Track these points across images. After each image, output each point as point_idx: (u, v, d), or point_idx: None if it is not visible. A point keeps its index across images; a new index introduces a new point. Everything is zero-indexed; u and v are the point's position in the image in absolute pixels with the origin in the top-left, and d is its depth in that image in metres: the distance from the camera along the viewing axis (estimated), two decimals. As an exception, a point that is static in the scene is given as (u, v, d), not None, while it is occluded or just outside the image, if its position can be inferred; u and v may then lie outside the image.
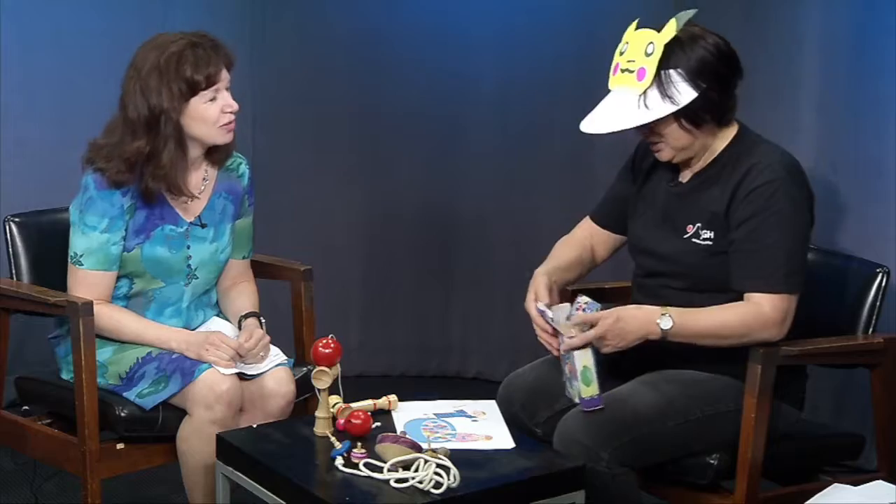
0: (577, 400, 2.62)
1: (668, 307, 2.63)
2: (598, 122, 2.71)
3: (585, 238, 3.00)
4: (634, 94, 2.65)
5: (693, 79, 2.62)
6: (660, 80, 2.63)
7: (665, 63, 2.62)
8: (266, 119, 4.40)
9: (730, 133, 2.75)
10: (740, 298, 2.66)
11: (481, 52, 4.43)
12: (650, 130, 2.69)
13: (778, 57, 3.67)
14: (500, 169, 4.49)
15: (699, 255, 2.72)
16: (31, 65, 3.95)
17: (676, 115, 2.65)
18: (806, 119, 3.61)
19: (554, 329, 2.67)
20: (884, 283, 2.87)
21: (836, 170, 3.47)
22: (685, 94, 2.62)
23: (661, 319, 2.60)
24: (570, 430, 2.61)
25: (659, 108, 2.63)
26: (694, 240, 2.73)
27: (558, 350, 2.66)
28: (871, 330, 2.86)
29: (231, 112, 2.89)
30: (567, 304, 2.67)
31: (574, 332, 2.61)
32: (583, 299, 2.66)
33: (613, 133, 2.69)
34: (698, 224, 2.73)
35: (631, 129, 2.68)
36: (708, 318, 2.64)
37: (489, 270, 4.58)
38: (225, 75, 2.90)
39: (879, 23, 3.33)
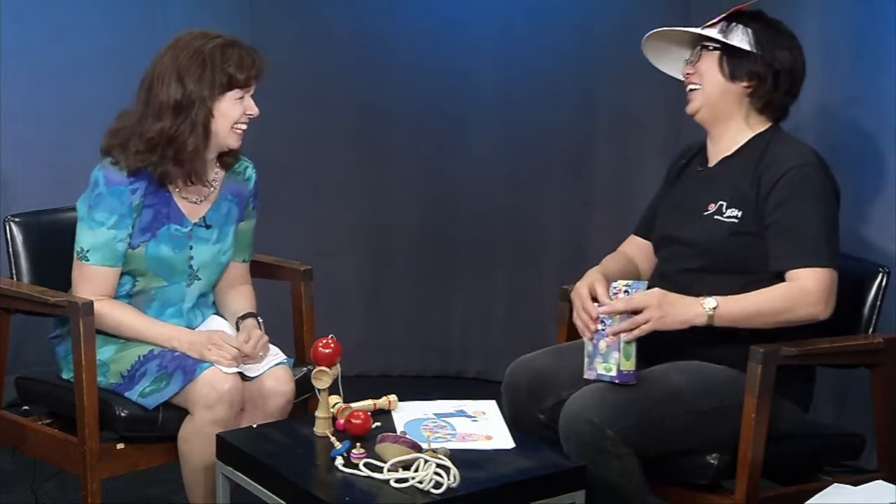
0: (610, 374, 2.63)
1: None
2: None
3: (629, 253, 3.04)
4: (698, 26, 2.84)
5: (755, 41, 2.77)
6: (726, 23, 2.80)
7: (742, 20, 2.79)
8: (266, 119, 4.37)
9: (763, 124, 2.83)
10: (766, 282, 2.68)
11: (481, 52, 4.43)
12: (693, 67, 2.83)
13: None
14: (501, 168, 4.49)
15: (720, 231, 2.76)
16: (31, 65, 3.95)
17: (721, 52, 2.78)
18: (806, 119, 3.60)
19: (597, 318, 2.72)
20: (884, 283, 2.87)
21: (835, 170, 3.46)
22: (739, 40, 2.77)
23: (705, 301, 2.64)
24: (579, 406, 2.62)
25: (709, 33, 2.79)
26: (716, 217, 2.77)
27: (593, 331, 2.70)
28: (871, 330, 2.87)
29: (250, 115, 2.94)
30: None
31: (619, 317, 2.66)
32: (621, 283, 2.71)
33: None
34: (721, 203, 2.78)
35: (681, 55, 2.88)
36: (751, 297, 2.66)
37: (489, 270, 4.59)
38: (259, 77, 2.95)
39: (878, 22, 3.33)
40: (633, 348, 2.63)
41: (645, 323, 2.63)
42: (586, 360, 2.72)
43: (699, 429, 2.68)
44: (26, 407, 3.16)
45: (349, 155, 4.52)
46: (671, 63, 2.98)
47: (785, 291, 2.66)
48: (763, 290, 2.67)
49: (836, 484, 2.43)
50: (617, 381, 2.64)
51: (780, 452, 2.72)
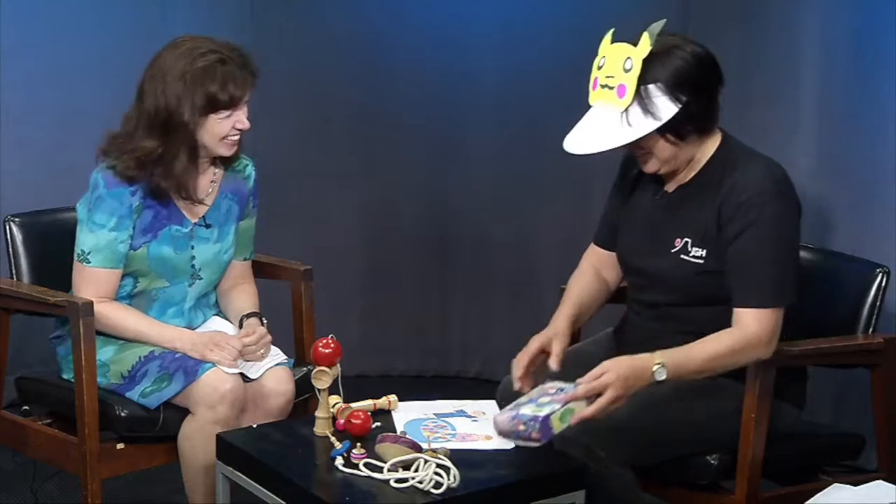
0: (535, 414, 2.45)
1: (660, 352, 2.55)
2: (582, 141, 2.69)
3: (593, 266, 2.97)
4: (616, 112, 2.61)
5: (672, 92, 2.59)
6: (640, 97, 2.59)
7: (643, 78, 2.58)
8: (266, 119, 4.39)
9: (714, 142, 2.71)
10: None
11: (481, 52, 4.43)
12: (637, 145, 2.66)
13: (778, 57, 3.68)
14: (500, 169, 4.49)
15: (688, 271, 2.70)
16: (31, 65, 3.95)
17: (661, 131, 2.61)
18: (806, 119, 3.60)
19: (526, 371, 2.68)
20: (884, 283, 2.87)
21: (835, 170, 3.47)
22: (666, 109, 2.59)
23: (656, 369, 2.53)
24: (570, 427, 2.61)
25: (641, 125, 2.59)
26: (682, 256, 2.70)
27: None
28: (871, 330, 2.87)
29: (240, 129, 2.91)
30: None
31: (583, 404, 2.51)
32: (549, 384, 2.58)
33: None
34: (686, 239, 2.71)
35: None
36: (698, 356, 2.58)
37: (489, 271, 4.59)
38: (248, 94, 2.90)
39: (879, 23, 3.33)
40: (571, 416, 2.47)
41: (609, 401, 2.50)
42: (512, 404, 2.55)
43: (693, 437, 2.68)
44: (26, 407, 3.15)
45: (349, 155, 4.52)
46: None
47: (730, 343, 2.58)
48: (710, 340, 2.59)
49: (836, 484, 2.43)
50: (533, 425, 2.42)
51: (779, 453, 2.72)
